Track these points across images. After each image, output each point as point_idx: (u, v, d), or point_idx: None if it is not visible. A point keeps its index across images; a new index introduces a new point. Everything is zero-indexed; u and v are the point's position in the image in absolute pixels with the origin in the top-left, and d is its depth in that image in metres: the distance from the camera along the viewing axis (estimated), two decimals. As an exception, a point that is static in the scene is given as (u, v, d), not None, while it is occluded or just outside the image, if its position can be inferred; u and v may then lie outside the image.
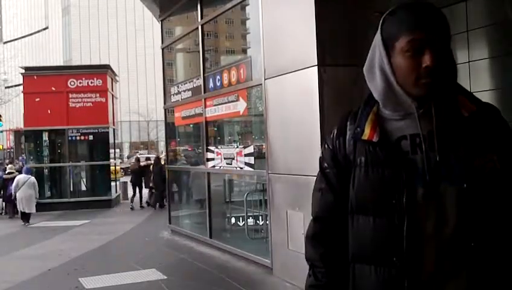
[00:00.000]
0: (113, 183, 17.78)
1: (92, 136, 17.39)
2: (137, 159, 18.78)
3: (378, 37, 1.55)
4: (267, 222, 7.38)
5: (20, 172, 15.48)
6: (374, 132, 1.55)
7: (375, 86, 1.57)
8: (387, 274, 1.49)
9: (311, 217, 1.75)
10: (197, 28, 9.74)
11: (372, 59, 1.57)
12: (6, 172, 16.35)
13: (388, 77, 1.51)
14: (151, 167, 17.10)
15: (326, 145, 1.70)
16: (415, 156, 1.49)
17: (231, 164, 8.54)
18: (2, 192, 16.11)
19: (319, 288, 1.67)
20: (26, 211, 13.82)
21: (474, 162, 1.45)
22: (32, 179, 14.35)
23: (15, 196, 14.04)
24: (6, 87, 49.11)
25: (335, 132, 1.68)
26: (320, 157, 1.72)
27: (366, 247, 1.54)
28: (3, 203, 16.20)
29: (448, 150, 1.47)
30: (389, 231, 1.49)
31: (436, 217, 1.45)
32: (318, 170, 1.74)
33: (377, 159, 1.52)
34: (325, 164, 1.69)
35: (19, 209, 14.24)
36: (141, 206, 16.74)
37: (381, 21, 1.56)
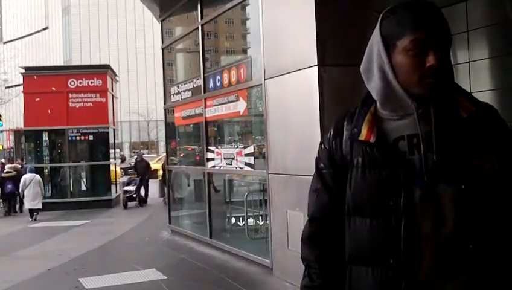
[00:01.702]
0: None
1: (92, 136, 17.40)
2: None
3: (377, 36, 1.53)
4: (267, 222, 7.38)
5: (25, 172, 16.12)
6: (371, 133, 1.54)
7: (374, 85, 1.55)
8: (384, 276, 1.48)
9: (307, 218, 1.74)
10: (197, 28, 9.74)
11: (370, 58, 1.55)
12: (5, 171, 16.78)
13: (388, 76, 1.49)
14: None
15: (322, 146, 1.69)
16: (412, 157, 1.48)
17: (231, 164, 8.54)
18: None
19: (313, 289, 1.66)
20: (35, 207, 14.63)
21: (473, 163, 1.44)
22: (38, 177, 15.16)
23: (23, 194, 14.83)
24: (6, 87, 49.11)
25: (332, 132, 1.66)
26: (316, 158, 1.71)
27: (363, 248, 1.53)
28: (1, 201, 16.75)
29: (446, 150, 1.46)
30: (386, 232, 1.47)
31: (433, 219, 1.44)
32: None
33: (374, 160, 1.51)
34: (322, 164, 1.68)
35: (25, 206, 15.15)
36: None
37: (379, 19, 1.54)
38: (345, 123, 1.63)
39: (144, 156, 21.00)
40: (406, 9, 1.49)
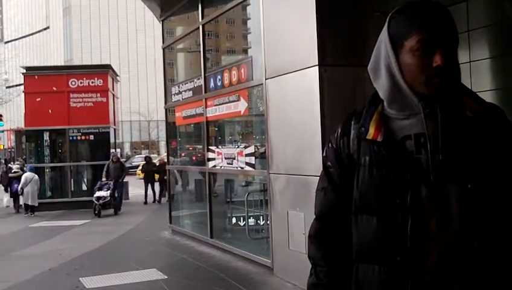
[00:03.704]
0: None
1: (92, 136, 17.42)
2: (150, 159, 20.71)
3: (385, 35, 1.53)
4: (268, 222, 7.37)
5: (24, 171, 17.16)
6: (378, 132, 1.55)
7: (381, 84, 1.56)
8: (391, 274, 1.48)
9: (314, 216, 1.75)
10: (198, 28, 9.74)
11: (378, 58, 1.56)
12: (13, 171, 17.48)
13: (395, 76, 1.50)
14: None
15: (330, 145, 1.70)
16: (419, 156, 1.49)
17: (232, 164, 8.54)
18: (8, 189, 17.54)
19: (320, 287, 1.67)
20: (32, 204, 15.80)
21: (479, 162, 1.45)
22: (36, 176, 16.10)
23: (22, 191, 15.83)
24: (7, 87, 49.05)
25: (339, 131, 1.67)
26: (323, 157, 1.72)
27: (370, 246, 1.54)
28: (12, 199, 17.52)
29: (452, 150, 1.46)
30: (393, 230, 1.48)
31: (440, 217, 1.45)
32: (319, 169, 1.74)
33: (382, 159, 1.52)
34: (329, 163, 1.69)
35: (23, 203, 16.13)
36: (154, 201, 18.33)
37: (387, 19, 1.55)
38: (352, 122, 1.64)
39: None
40: (413, 9, 1.49)
